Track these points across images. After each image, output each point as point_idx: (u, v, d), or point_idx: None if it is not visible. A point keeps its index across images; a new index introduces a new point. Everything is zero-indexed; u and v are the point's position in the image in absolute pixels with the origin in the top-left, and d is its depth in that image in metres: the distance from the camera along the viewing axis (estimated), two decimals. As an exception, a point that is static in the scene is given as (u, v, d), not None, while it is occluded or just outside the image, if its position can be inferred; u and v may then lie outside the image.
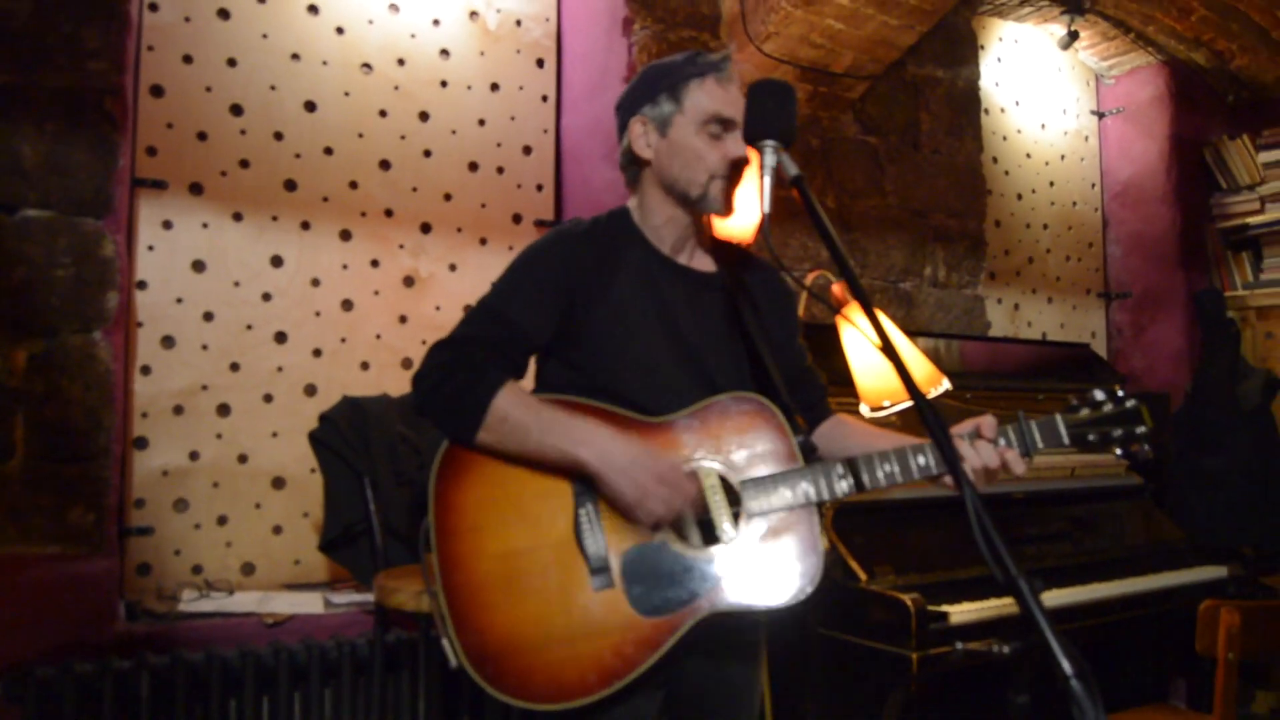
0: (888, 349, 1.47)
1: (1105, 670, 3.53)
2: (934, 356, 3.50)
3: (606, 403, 1.71)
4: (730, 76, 1.82)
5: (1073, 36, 4.65)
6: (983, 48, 4.69)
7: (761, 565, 1.64)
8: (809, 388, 1.97)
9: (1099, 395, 1.71)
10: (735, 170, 1.80)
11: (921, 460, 1.68)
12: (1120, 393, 1.70)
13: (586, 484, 1.66)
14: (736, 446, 1.69)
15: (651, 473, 1.60)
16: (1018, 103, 4.93)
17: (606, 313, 1.76)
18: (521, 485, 1.66)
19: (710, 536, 1.66)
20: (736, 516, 1.66)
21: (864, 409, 2.74)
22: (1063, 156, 5.12)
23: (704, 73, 1.80)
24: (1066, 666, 1.18)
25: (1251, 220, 4.89)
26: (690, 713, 1.81)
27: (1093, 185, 5.25)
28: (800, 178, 1.61)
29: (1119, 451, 1.71)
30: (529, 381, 1.82)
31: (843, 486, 1.67)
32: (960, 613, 2.63)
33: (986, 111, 4.68)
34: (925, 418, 1.43)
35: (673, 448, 1.69)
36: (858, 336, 2.72)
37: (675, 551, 1.64)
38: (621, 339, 1.75)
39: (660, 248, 1.85)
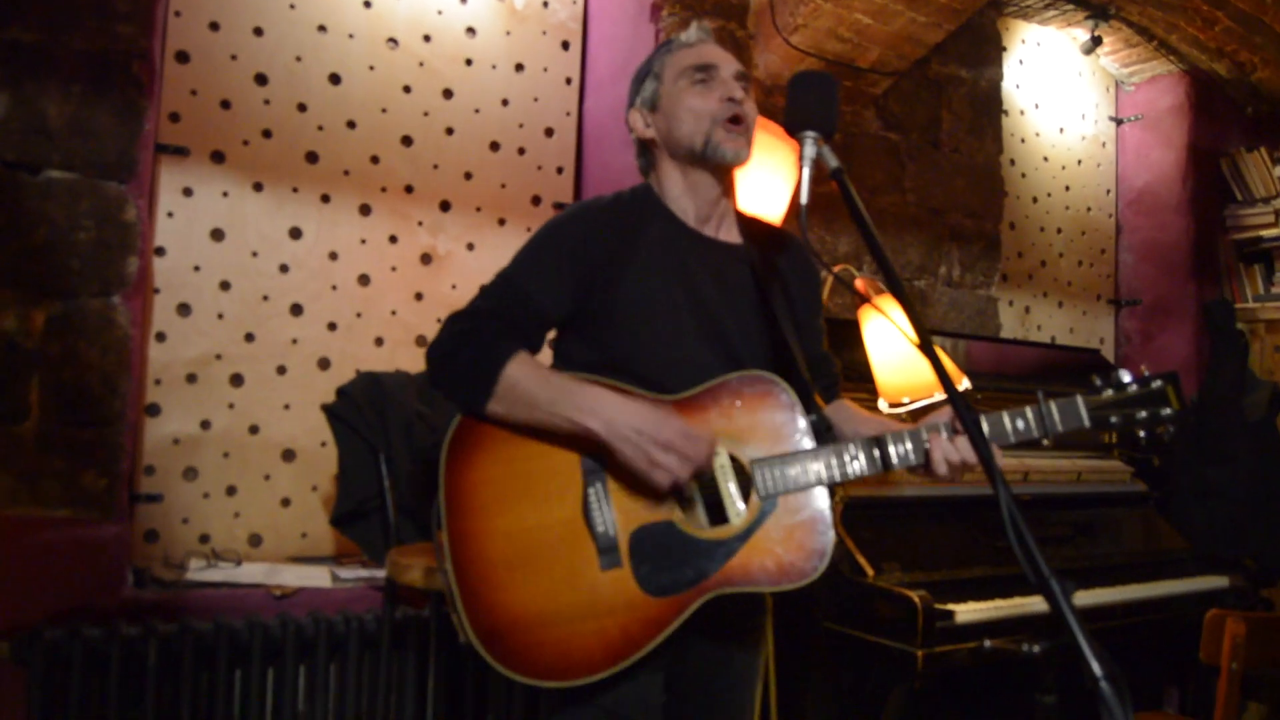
0: (925, 344, 1.46)
1: (1103, 675, 3.54)
2: (947, 355, 3.51)
3: (624, 380, 1.70)
4: (699, 40, 1.86)
5: (1096, 42, 4.65)
6: (1005, 49, 4.68)
7: (770, 546, 1.63)
8: (824, 371, 1.95)
9: (1125, 376, 1.67)
10: (735, 108, 1.78)
11: (926, 445, 1.67)
12: (1147, 373, 1.67)
13: (597, 461, 1.65)
14: (749, 426, 1.68)
15: (659, 439, 1.57)
16: (1037, 105, 4.92)
17: (629, 287, 1.74)
18: (531, 463, 1.66)
19: (720, 516, 1.65)
20: (747, 496, 1.65)
21: (882, 405, 2.74)
22: (1079, 161, 5.11)
23: (674, 48, 1.86)
24: (1097, 668, 1.18)
25: (1265, 233, 4.89)
26: (690, 695, 1.80)
27: (1108, 191, 5.24)
28: (841, 170, 1.59)
29: (1143, 434, 1.68)
30: (545, 358, 1.81)
31: (855, 467, 1.66)
32: (967, 611, 2.63)
33: (1006, 113, 4.67)
34: (959, 412, 1.42)
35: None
36: (881, 331, 2.72)
37: (683, 532, 1.64)
38: (644, 313, 1.74)
39: (685, 219, 1.83)
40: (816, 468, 1.65)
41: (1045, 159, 4.97)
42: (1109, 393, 1.66)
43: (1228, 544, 4.04)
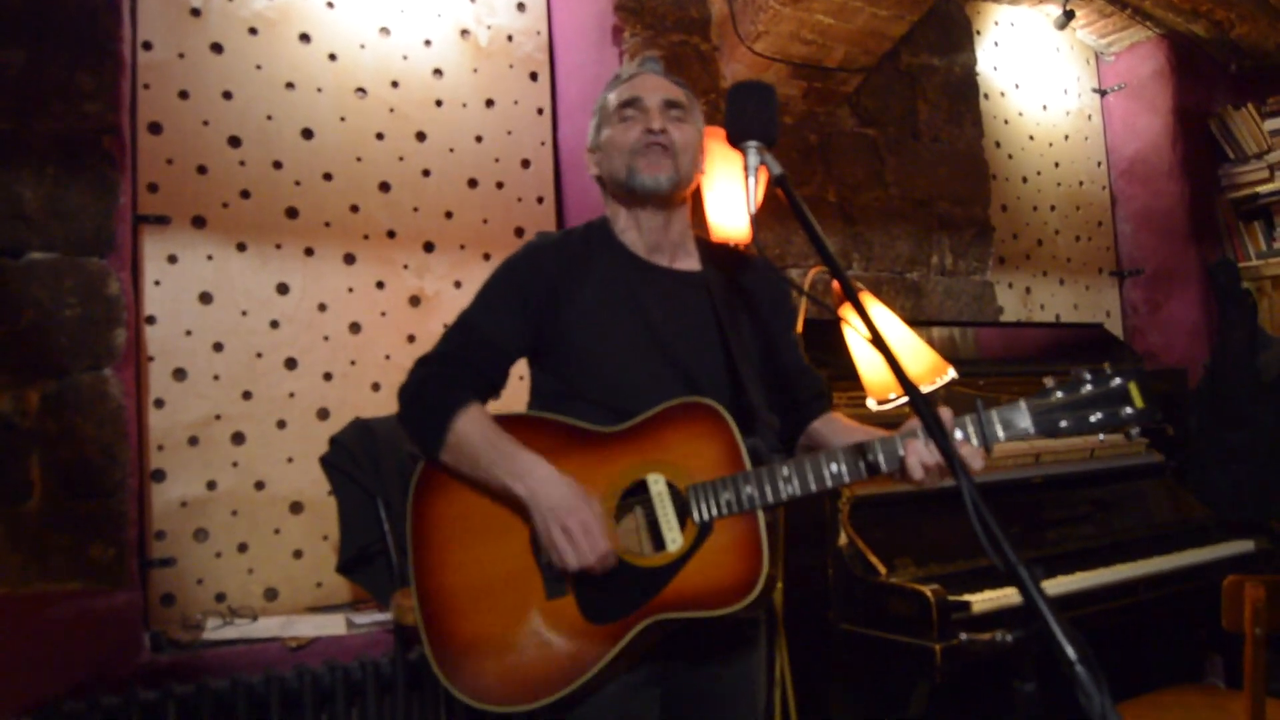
0: (877, 341, 1.46)
1: (1136, 651, 3.50)
2: (944, 345, 3.49)
3: (584, 409, 1.75)
4: (636, 73, 1.89)
5: (1069, 16, 4.63)
6: (979, 32, 4.67)
7: (706, 570, 1.65)
8: (802, 385, 1.95)
9: (1084, 375, 1.57)
10: (650, 138, 1.80)
11: (870, 458, 1.63)
12: (1109, 371, 1.56)
13: None
14: (686, 453, 1.69)
15: (563, 524, 1.62)
16: (1018, 85, 4.91)
17: (576, 317, 1.79)
18: (486, 501, 1.74)
19: (660, 543, 1.68)
20: (685, 523, 1.67)
21: (870, 403, 2.73)
22: (1066, 136, 5.09)
23: (614, 85, 1.90)
24: (1070, 651, 1.17)
25: (1261, 189, 4.84)
26: (686, 714, 1.82)
27: (1099, 163, 5.21)
28: (783, 177, 1.60)
29: (1101, 437, 1.60)
30: (516, 391, 1.84)
31: (788, 489, 1.64)
32: (983, 601, 2.61)
33: (986, 96, 4.66)
34: (918, 409, 1.40)
35: (626, 457, 1.71)
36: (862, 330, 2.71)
37: (624, 560, 1.67)
38: (593, 343, 1.78)
39: (636, 251, 1.87)
40: (749, 490, 1.64)
41: (1031, 138, 4.94)
42: (1058, 395, 1.57)
43: (1252, 507, 3.98)
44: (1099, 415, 1.55)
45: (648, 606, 1.65)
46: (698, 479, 1.68)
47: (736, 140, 1.64)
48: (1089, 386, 1.57)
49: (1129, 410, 1.54)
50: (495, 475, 1.69)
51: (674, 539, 1.67)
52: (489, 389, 1.82)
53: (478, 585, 1.72)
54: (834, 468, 1.65)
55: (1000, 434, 1.58)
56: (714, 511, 1.66)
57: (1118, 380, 1.56)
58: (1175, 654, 3.63)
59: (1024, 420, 1.58)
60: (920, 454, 1.60)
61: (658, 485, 1.69)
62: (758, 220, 1.62)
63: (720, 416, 1.69)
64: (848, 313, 2.60)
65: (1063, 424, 1.56)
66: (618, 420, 1.73)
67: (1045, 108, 5.01)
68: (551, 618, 1.68)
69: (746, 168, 1.64)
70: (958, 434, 1.58)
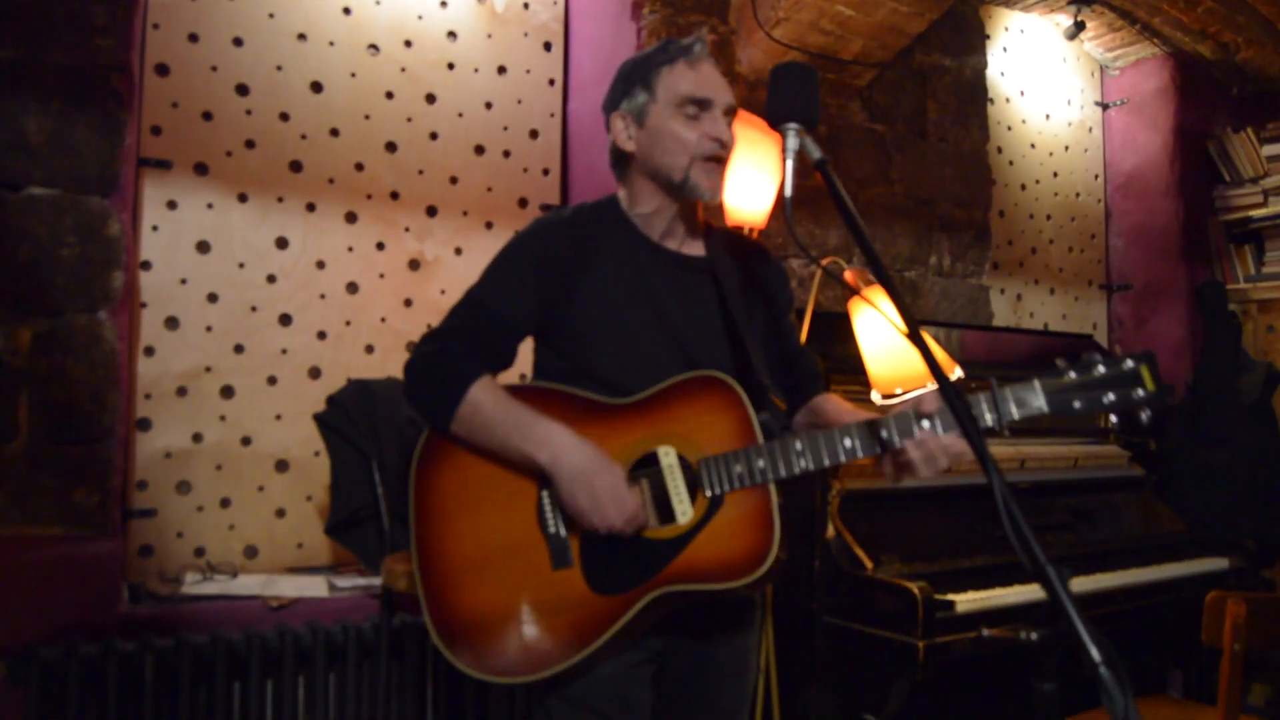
0: (914, 333, 1.45)
1: (1106, 661, 3.53)
2: (939, 345, 3.50)
3: (592, 388, 1.74)
4: (701, 57, 1.82)
5: (1079, 27, 4.64)
6: (990, 37, 4.68)
7: (716, 543, 1.65)
8: (798, 368, 1.97)
9: (1095, 357, 1.57)
10: (718, 150, 1.78)
11: (885, 434, 1.63)
12: (1120, 354, 1.58)
13: None
14: (697, 425, 1.70)
15: (593, 490, 1.62)
16: (1023, 93, 4.92)
17: (587, 297, 1.78)
18: (491, 471, 1.72)
19: (668, 515, 1.67)
20: (695, 495, 1.67)
21: (875, 396, 2.73)
22: (1067, 147, 5.11)
23: (674, 58, 1.81)
24: (1095, 654, 1.17)
25: (1254, 213, 4.88)
26: (677, 692, 1.83)
27: (1096, 176, 5.24)
28: (824, 161, 1.59)
29: (1114, 420, 1.61)
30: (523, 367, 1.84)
31: (801, 463, 1.65)
32: (967, 601, 2.62)
33: (992, 101, 4.67)
34: (950, 401, 1.41)
35: (635, 429, 1.71)
36: (872, 322, 2.71)
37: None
38: (603, 323, 1.77)
39: (649, 234, 1.85)
40: (760, 464, 1.65)
41: (1032, 146, 4.96)
42: (1071, 375, 1.57)
43: (1227, 525, 4.03)
44: (1111, 396, 1.55)
45: (656, 578, 1.64)
46: (708, 452, 1.68)
47: (776, 122, 1.62)
48: (1101, 368, 1.57)
49: (1141, 392, 1.55)
50: (513, 443, 1.68)
51: (684, 511, 1.67)
52: (499, 365, 1.80)
53: (481, 556, 1.70)
54: (847, 443, 1.65)
55: (1014, 412, 1.59)
56: (725, 485, 1.66)
57: (1130, 362, 1.56)
58: (1142, 665, 3.68)
59: (1038, 399, 1.58)
60: (926, 445, 1.61)
61: (668, 457, 1.69)
62: (776, 205, 1.61)
63: (732, 390, 1.70)
64: (878, 300, 2.57)
65: (1076, 404, 1.56)
66: (617, 396, 1.73)
67: (1048, 117, 5.02)
68: (557, 589, 1.67)
69: (785, 150, 1.62)
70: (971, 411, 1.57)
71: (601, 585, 1.66)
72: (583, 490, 1.62)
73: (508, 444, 1.68)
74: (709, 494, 1.66)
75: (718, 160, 1.79)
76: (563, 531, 1.69)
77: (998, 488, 1.29)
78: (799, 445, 1.65)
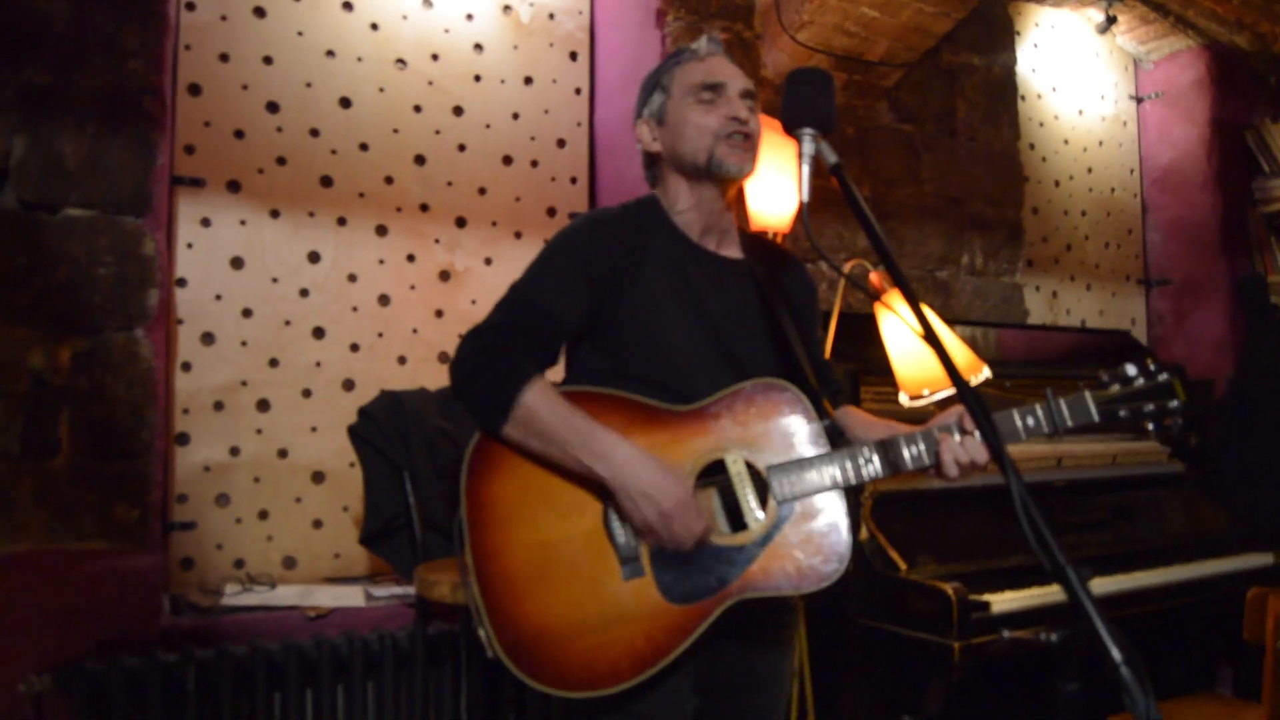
0: (930, 336, 1.45)
1: (1150, 659, 3.48)
2: (971, 345, 3.46)
3: (637, 388, 1.72)
4: (709, 52, 1.85)
5: (1111, 21, 4.59)
6: (1019, 33, 4.64)
7: (789, 551, 1.65)
8: (827, 378, 1.97)
9: (1130, 370, 1.66)
10: (737, 126, 1.79)
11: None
12: (1153, 365, 1.66)
13: None
14: (763, 433, 1.70)
15: (662, 508, 1.60)
16: (1055, 88, 4.87)
17: (636, 298, 1.76)
18: (551, 476, 1.68)
19: (739, 523, 1.67)
20: (764, 502, 1.67)
21: (903, 398, 2.72)
22: (1101, 142, 5.05)
23: (683, 60, 1.86)
24: (1116, 654, 1.16)
25: (1295, 204, 4.80)
26: (721, 698, 1.82)
27: (1131, 171, 5.17)
28: (839, 166, 1.59)
29: (1151, 426, 1.68)
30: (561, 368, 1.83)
31: (870, 469, 1.67)
32: (1002, 601, 2.60)
33: (1023, 98, 4.63)
34: (969, 404, 1.40)
35: (699, 437, 1.70)
36: (897, 325, 2.70)
37: (707, 541, 1.66)
38: (651, 324, 1.76)
39: (689, 234, 1.85)
40: (832, 471, 1.67)
41: (1066, 142, 4.91)
42: (1115, 387, 1.66)
43: (1272, 520, 3.96)
44: (1152, 406, 1.66)
45: (731, 586, 1.64)
46: (774, 459, 1.68)
47: (792, 127, 1.62)
48: (1140, 380, 1.66)
49: (1174, 403, 1.65)
50: (571, 453, 1.63)
51: (756, 519, 1.67)
52: (547, 363, 1.75)
53: (545, 567, 1.64)
54: (914, 450, 1.68)
55: (1069, 422, 1.66)
56: (796, 491, 1.67)
57: (1164, 375, 1.66)
58: (1188, 663, 3.62)
59: (1090, 410, 1.66)
60: (954, 451, 1.67)
61: (736, 465, 1.68)
62: (800, 208, 1.62)
63: (796, 398, 1.71)
64: (897, 304, 2.57)
65: (1122, 414, 1.65)
66: (667, 400, 1.72)
67: (1081, 112, 4.97)
68: (629, 600, 1.63)
69: (800, 155, 1.62)
70: (1029, 421, 1.67)
71: (676, 595, 1.64)
72: (650, 508, 1.60)
73: (565, 453, 1.64)
74: (779, 501, 1.67)
75: (742, 135, 1.79)
76: (633, 540, 1.65)
77: (1015, 489, 1.28)
78: (866, 453, 1.69)
